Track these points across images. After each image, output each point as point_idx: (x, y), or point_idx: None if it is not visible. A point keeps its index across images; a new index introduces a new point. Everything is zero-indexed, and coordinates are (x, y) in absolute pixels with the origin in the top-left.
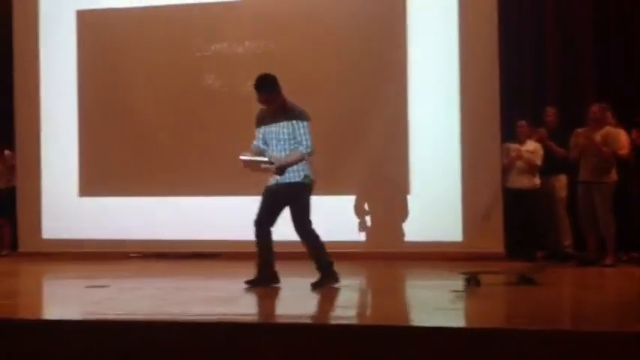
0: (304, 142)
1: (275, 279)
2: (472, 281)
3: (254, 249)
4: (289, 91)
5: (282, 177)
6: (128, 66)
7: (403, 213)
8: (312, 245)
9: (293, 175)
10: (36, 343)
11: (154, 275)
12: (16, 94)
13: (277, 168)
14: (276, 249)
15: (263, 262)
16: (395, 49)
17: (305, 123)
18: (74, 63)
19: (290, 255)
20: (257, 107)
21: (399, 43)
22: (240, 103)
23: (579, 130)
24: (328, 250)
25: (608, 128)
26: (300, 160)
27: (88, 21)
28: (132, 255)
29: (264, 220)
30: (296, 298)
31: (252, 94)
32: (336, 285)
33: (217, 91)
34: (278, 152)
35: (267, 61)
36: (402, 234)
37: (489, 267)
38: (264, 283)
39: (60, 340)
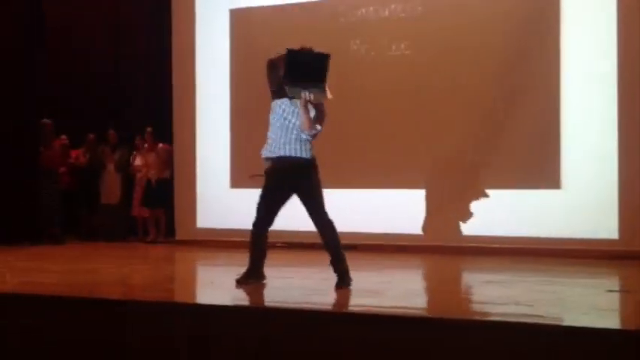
0: None
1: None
2: None
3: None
4: (432, 57)
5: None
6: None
7: (553, 209)
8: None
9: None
10: (188, 325)
11: (300, 265)
12: (174, 93)
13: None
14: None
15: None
16: (548, 35)
17: None
18: (227, 61)
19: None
20: (402, 73)
21: (553, 31)
22: (387, 68)
23: None
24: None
25: None
26: None
27: (240, 19)
28: (278, 245)
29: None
30: (442, 292)
31: (399, 59)
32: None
33: (364, 57)
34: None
35: (413, 24)
36: (552, 230)
37: None
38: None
39: (211, 324)
